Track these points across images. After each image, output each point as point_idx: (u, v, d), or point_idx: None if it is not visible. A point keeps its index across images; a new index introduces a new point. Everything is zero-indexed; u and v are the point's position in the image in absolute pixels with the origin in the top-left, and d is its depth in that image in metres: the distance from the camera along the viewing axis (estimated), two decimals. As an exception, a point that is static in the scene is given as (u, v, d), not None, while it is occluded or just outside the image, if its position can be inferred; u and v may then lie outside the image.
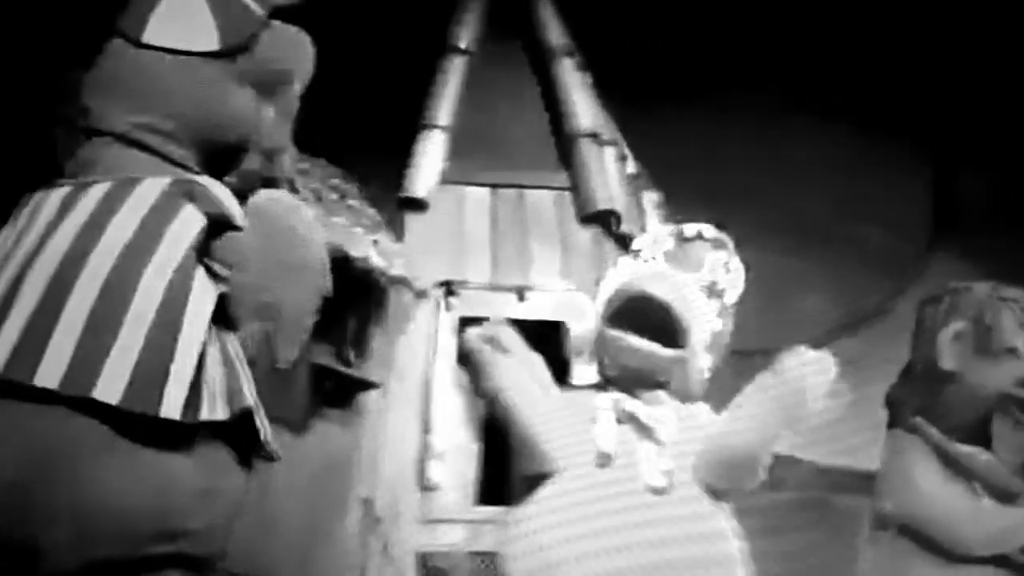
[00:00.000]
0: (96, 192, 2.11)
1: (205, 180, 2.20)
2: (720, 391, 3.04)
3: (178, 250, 2.06)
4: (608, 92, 5.06)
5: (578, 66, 4.95)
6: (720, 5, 5.78)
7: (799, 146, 5.81)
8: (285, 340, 2.18)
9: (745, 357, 4.73)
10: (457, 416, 4.35)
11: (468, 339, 2.91)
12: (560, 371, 3.35)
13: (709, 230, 3.03)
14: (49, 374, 1.91)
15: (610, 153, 4.87)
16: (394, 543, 4.43)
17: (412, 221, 4.71)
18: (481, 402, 2.91)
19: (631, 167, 5.02)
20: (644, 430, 2.78)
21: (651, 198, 5.02)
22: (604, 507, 2.66)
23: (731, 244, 3.03)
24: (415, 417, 4.56)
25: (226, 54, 2.28)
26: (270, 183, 2.41)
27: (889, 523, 3.47)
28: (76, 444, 1.90)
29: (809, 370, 2.66)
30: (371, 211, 4.54)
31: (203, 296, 2.06)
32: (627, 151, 5.02)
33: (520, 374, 2.83)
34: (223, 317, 2.11)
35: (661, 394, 2.87)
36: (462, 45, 4.94)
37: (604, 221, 4.70)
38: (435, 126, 4.79)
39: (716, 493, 2.72)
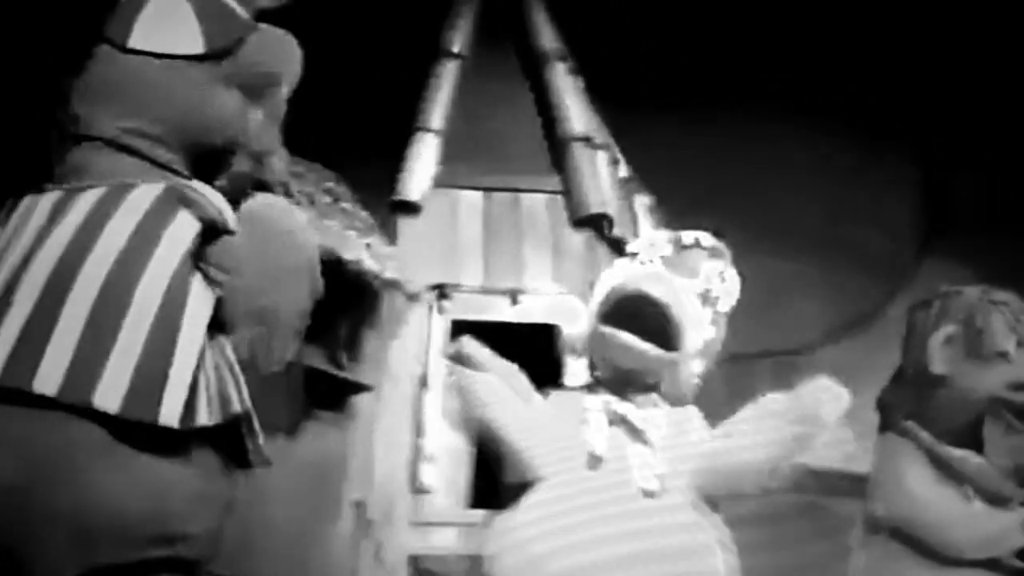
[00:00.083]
0: (89, 197, 2.11)
1: (198, 185, 2.20)
2: (715, 394, 3.05)
3: (174, 256, 2.06)
4: (601, 97, 5.06)
5: (570, 70, 4.95)
6: (713, 10, 5.78)
7: (791, 150, 5.81)
8: (278, 344, 2.18)
9: (739, 360, 4.75)
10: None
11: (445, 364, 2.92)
12: (553, 375, 3.35)
13: (707, 239, 3.03)
14: (47, 380, 1.91)
15: (602, 157, 4.88)
16: (386, 546, 4.43)
17: (405, 225, 4.72)
18: (468, 420, 2.91)
19: (623, 171, 5.02)
20: (635, 432, 2.79)
21: (643, 202, 5.03)
22: (597, 511, 2.66)
23: (728, 254, 3.03)
24: (407, 420, 4.56)
25: (211, 57, 2.28)
26: (263, 187, 2.41)
27: (881, 526, 3.47)
28: (75, 449, 1.90)
29: (825, 397, 2.69)
30: (364, 214, 4.54)
31: (200, 301, 2.06)
32: (619, 155, 5.03)
33: (498, 387, 2.82)
34: (216, 321, 2.12)
35: (652, 396, 2.88)
36: (455, 49, 4.94)
37: (597, 225, 4.71)
38: (428, 130, 4.79)
39: (711, 502, 2.73)
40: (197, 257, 2.10)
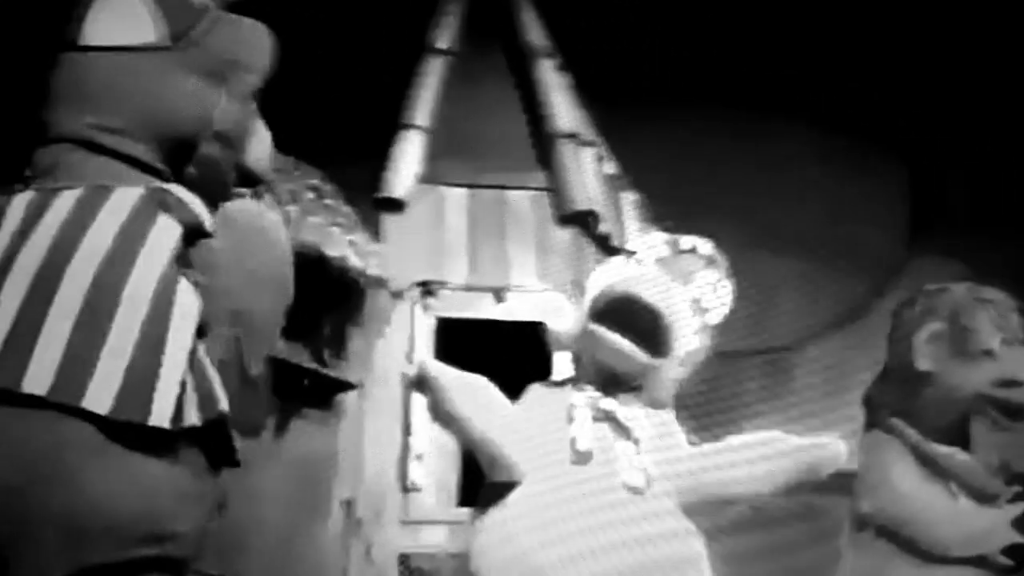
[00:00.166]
0: (67, 199, 2.10)
1: (175, 188, 2.19)
2: (709, 391, 3.05)
3: (161, 257, 2.05)
4: (594, 95, 5.07)
5: (558, 67, 4.96)
6: (705, 9, 5.79)
7: (780, 150, 5.84)
8: (254, 346, 2.17)
9: (731, 357, 4.75)
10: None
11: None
12: (538, 372, 3.34)
13: (705, 246, 3.02)
14: (37, 381, 1.90)
15: (589, 154, 4.89)
16: (376, 545, 4.44)
17: (390, 222, 4.72)
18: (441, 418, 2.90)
19: (610, 168, 5.03)
20: (621, 429, 2.79)
21: (629, 199, 5.03)
22: (583, 506, 2.66)
23: (724, 265, 3.02)
24: (395, 418, 4.57)
25: (165, 46, 2.27)
26: (247, 179, 2.40)
27: (868, 524, 3.47)
28: (66, 449, 1.89)
29: (826, 453, 2.75)
30: (348, 211, 4.54)
31: (188, 304, 2.05)
32: (606, 152, 5.03)
33: (467, 401, 2.81)
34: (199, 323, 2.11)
35: (634, 396, 2.87)
36: (442, 46, 4.95)
37: (583, 222, 4.71)
38: (414, 127, 4.80)
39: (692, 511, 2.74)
40: (179, 260, 2.10)
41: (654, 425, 2.82)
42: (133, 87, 2.24)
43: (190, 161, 2.25)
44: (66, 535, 1.86)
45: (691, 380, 3.05)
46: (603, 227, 4.70)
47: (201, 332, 2.08)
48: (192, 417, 1.98)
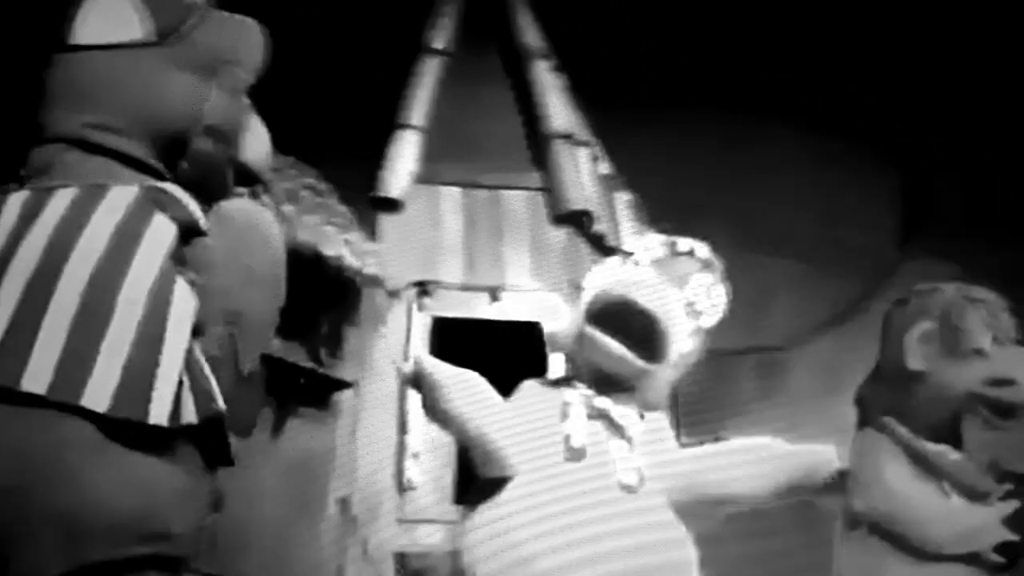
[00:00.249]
0: (63, 198, 2.11)
1: (171, 187, 2.20)
2: (703, 390, 3.06)
3: (157, 256, 2.06)
4: (586, 99, 5.08)
5: (553, 68, 4.96)
6: (699, 14, 5.80)
7: (774, 153, 5.85)
8: (248, 344, 2.18)
9: (725, 356, 4.76)
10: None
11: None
12: (533, 371, 3.36)
13: (703, 249, 3.03)
14: (35, 379, 1.91)
15: (584, 154, 4.90)
16: (372, 543, 4.44)
17: (386, 221, 4.73)
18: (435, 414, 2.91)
19: (604, 168, 5.04)
20: (615, 428, 2.79)
21: (624, 199, 5.04)
22: (576, 502, 2.66)
23: (720, 269, 3.02)
24: (391, 417, 4.57)
25: (155, 42, 2.28)
26: (246, 177, 2.41)
27: (860, 522, 3.47)
28: (66, 447, 1.90)
29: (822, 460, 2.77)
30: (343, 209, 4.55)
31: (184, 301, 2.07)
32: (601, 152, 5.04)
33: (462, 397, 2.82)
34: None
35: (625, 397, 2.88)
36: (438, 46, 4.96)
37: (577, 221, 4.72)
38: (410, 127, 4.80)
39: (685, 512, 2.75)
40: (175, 258, 2.11)
41: (647, 425, 2.83)
42: (124, 84, 2.25)
43: (182, 156, 2.27)
44: (65, 533, 1.87)
45: (685, 380, 3.06)
46: (598, 227, 4.72)
47: (196, 330, 2.09)
48: (189, 415, 1.99)
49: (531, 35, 5.01)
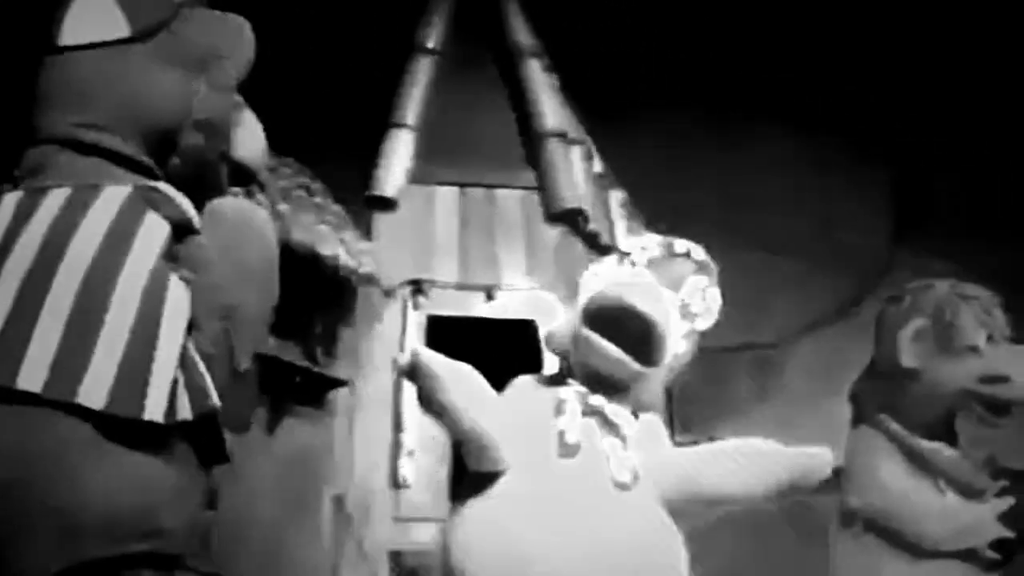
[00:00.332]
0: (56, 198, 2.11)
1: (163, 186, 2.20)
2: (698, 388, 3.06)
3: (150, 254, 2.07)
4: (580, 101, 5.09)
5: (545, 67, 4.97)
6: (694, 15, 5.81)
7: (768, 152, 5.85)
8: (242, 341, 2.18)
9: (719, 353, 4.77)
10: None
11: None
12: (528, 370, 3.36)
13: (699, 252, 3.02)
14: (31, 377, 1.92)
15: (577, 152, 4.90)
16: (367, 541, 4.44)
17: (381, 220, 4.73)
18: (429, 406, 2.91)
19: (598, 166, 5.04)
20: (609, 425, 2.79)
21: (617, 197, 5.04)
22: (569, 498, 2.66)
23: (715, 272, 3.02)
24: (385, 415, 4.57)
25: (140, 39, 2.28)
26: (241, 175, 2.41)
27: (855, 519, 3.48)
28: (63, 445, 1.91)
29: (815, 463, 2.77)
30: (337, 208, 4.55)
31: (178, 299, 2.07)
32: (594, 150, 5.05)
33: (458, 390, 2.81)
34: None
35: (620, 396, 2.88)
36: (430, 45, 4.95)
37: (571, 220, 4.73)
38: (403, 126, 4.80)
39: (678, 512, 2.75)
40: (168, 256, 2.11)
41: (641, 424, 2.83)
42: (112, 82, 2.25)
43: (173, 153, 2.27)
44: (63, 530, 1.88)
45: (680, 378, 3.07)
46: (591, 225, 4.72)
47: (190, 327, 2.09)
48: (184, 411, 2.00)
49: (523, 34, 5.01)
